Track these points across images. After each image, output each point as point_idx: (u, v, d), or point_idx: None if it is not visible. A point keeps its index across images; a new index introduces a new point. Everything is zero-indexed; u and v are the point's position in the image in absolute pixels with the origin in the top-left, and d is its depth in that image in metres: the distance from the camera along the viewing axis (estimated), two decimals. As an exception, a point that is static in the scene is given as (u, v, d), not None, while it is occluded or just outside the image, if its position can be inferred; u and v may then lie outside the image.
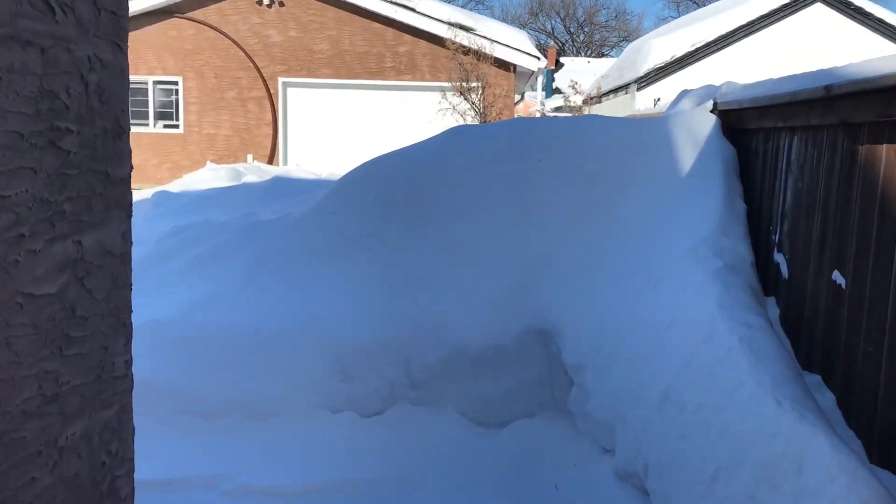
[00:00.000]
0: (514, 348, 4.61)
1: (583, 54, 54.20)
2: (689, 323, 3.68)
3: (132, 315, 1.47)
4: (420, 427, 4.47)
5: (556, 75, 22.53)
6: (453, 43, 13.34)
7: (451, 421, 4.51)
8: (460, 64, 13.17)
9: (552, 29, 59.58)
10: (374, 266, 5.27)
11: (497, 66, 14.36)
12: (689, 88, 6.40)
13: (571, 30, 61.27)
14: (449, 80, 14.17)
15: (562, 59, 29.83)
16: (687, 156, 5.05)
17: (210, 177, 10.45)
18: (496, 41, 14.04)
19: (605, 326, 4.33)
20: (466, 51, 13.79)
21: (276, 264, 5.56)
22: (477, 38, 13.68)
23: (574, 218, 5.01)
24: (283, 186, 9.08)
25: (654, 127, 5.40)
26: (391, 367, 4.63)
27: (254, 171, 11.61)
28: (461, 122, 13.99)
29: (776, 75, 6.48)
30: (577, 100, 14.65)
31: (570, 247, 4.92)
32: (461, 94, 13.08)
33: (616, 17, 70.73)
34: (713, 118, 5.20)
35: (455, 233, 5.21)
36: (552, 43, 54.82)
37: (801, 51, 13.87)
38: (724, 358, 3.25)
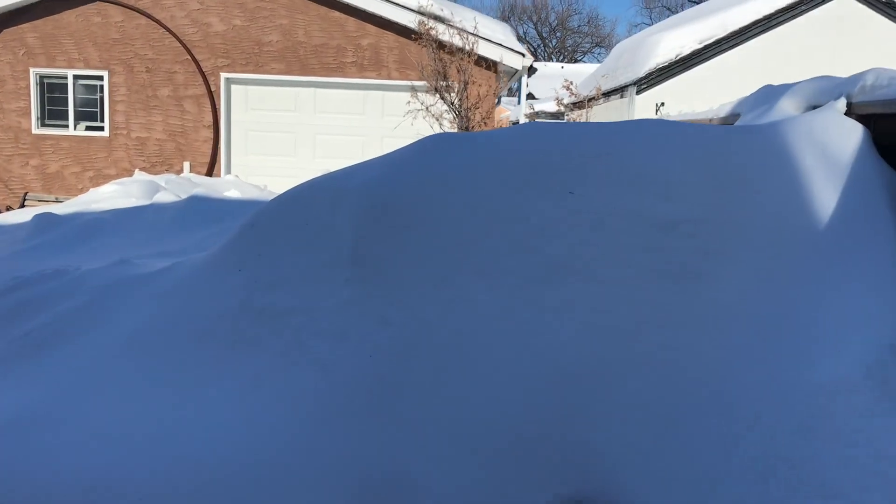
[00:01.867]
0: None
1: (554, 60, 52.47)
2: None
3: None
4: None
5: (528, 80, 20.58)
6: (428, 34, 11.23)
7: None
8: (439, 59, 11.07)
9: (524, 33, 57.88)
10: (299, 368, 3.18)
11: (477, 64, 12.32)
12: (772, 84, 4.40)
13: (544, 34, 59.61)
14: (420, 78, 12.10)
15: (534, 64, 27.89)
16: (821, 188, 3.03)
17: (117, 193, 8.26)
18: (478, 35, 11.98)
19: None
20: (442, 45, 11.72)
21: (144, 357, 3.45)
22: (455, 29, 11.60)
23: (636, 296, 2.96)
24: (201, 209, 6.93)
25: (753, 141, 3.36)
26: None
27: (179, 184, 9.41)
28: (436, 128, 11.90)
29: (799, 76, 4.73)
30: (564, 103, 12.56)
31: (634, 346, 2.86)
32: (437, 91, 10.97)
33: (589, 22, 69.27)
34: (856, 127, 3.18)
35: (433, 314, 3.14)
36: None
37: (824, 49, 12.06)
38: None
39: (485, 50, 12.49)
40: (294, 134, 13.53)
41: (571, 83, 10.80)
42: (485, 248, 3.24)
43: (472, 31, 11.89)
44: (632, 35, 21.66)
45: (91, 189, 9.51)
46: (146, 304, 3.86)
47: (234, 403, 3.18)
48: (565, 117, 12.82)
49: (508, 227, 3.25)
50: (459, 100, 10.74)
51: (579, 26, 60.19)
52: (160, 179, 9.28)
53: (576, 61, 54.33)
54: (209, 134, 13.39)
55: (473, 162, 3.54)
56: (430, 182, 3.49)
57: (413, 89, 12.25)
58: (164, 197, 7.60)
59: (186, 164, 13.42)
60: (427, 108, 11.03)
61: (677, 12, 41.72)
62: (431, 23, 12.07)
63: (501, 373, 2.89)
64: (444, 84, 10.75)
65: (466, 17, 12.63)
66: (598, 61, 49.42)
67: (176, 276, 4.02)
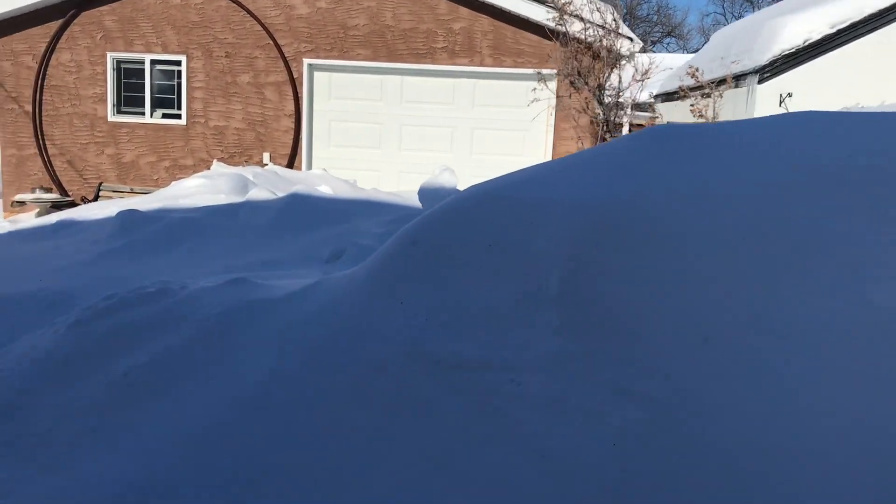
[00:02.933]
0: None
1: (624, 50, 50.71)
2: None
3: None
4: None
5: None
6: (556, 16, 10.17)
7: None
8: (574, 53, 10.01)
9: (593, 22, 56.24)
10: (501, 451, 2.30)
11: (590, 49, 11.27)
12: None
13: (614, 23, 57.93)
14: (532, 66, 11.11)
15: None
16: None
17: (204, 187, 7.50)
18: (616, 28, 10.92)
19: None
20: (559, 34, 10.70)
21: (274, 420, 2.62)
22: (566, 15, 10.57)
23: None
24: (303, 210, 6.10)
25: None
26: None
27: (267, 178, 8.63)
28: (569, 121, 10.91)
29: None
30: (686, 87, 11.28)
31: None
32: (571, 81, 9.93)
33: (658, 10, 67.14)
34: None
35: (698, 385, 2.20)
36: (595, 36, 51.57)
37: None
38: None
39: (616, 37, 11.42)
40: (379, 125, 12.69)
41: (697, 69, 9.69)
42: (768, 293, 2.28)
43: (603, 24, 10.81)
44: (705, 24, 20.18)
45: (173, 182, 8.79)
46: (274, 343, 3.01)
47: (408, 496, 2.29)
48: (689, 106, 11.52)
49: (806, 260, 2.28)
50: (599, 86, 9.63)
51: (648, 15, 58.32)
52: (247, 172, 8.50)
53: (645, 51, 52.57)
54: (290, 123, 12.65)
55: (732, 165, 2.57)
56: (676, 194, 2.54)
57: (541, 77, 11.30)
58: (258, 194, 6.81)
59: (266, 155, 12.70)
60: (560, 97, 10.01)
61: (759, 6, 39.84)
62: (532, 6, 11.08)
63: (836, 483, 1.93)
64: (588, 68, 9.65)
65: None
66: (668, 51, 47.60)
67: (311, 304, 3.15)
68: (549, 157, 12.25)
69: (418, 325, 2.72)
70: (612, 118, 9.43)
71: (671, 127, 2.99)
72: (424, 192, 6.02)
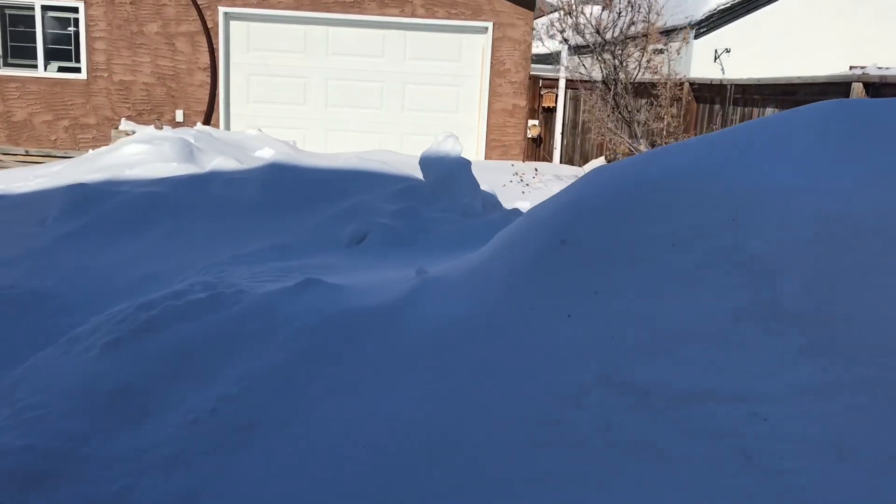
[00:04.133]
0: None
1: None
2: None
3: None
4: None
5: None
6: None
7: None
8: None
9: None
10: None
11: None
12: None
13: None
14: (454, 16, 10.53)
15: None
16: None
17: (150, 154, 6.64)
18: None
19: None
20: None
21: (425, 478, 2.14)
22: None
23: None
24: (292, 184, 5.44)
25: None
26: None
27: (209, 142, 7.81)
28: (505, 76, 10.39)
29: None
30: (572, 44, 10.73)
31: None
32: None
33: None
34: None
35: None
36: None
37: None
38: None
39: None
40: (303, 79, 11.87)
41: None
42: None
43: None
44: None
45: (104, 148, 7.78)
46: (410, 366, 2.50)
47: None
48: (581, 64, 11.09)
49: None
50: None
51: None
52: (187, 136, 7.63)
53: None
54: (205, 78, 11.63)
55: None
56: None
57: (476, 29, 10.72)
58: (223, 164, 6.05)
59: (179, 113, 11.66)
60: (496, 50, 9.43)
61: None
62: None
63: None
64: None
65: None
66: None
67: (435, 316, 2.65)
68: (484, 114, 11.85)
69: (604, 347, 2.28)
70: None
71: (856, 103, 2.65)
72: (427, 162, 5.49)
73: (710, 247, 2.34)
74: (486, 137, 11.92)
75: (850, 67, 8.05)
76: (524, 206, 6.49)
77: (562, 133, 11.88)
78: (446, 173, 5.27)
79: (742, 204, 2.34)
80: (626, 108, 9.01)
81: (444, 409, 2.36)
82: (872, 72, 5.42)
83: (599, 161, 12.03)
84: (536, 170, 10.13)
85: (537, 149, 12.33)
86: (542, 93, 12.04)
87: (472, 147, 12.09)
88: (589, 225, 2.55)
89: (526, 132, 12.01)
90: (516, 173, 10.02)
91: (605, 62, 9.78)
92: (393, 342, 2.63)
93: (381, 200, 5.11)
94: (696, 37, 11.47)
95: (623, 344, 2.27)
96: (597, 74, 10.23)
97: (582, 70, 10.43)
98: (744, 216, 2.32)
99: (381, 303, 2.81)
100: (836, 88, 5.94)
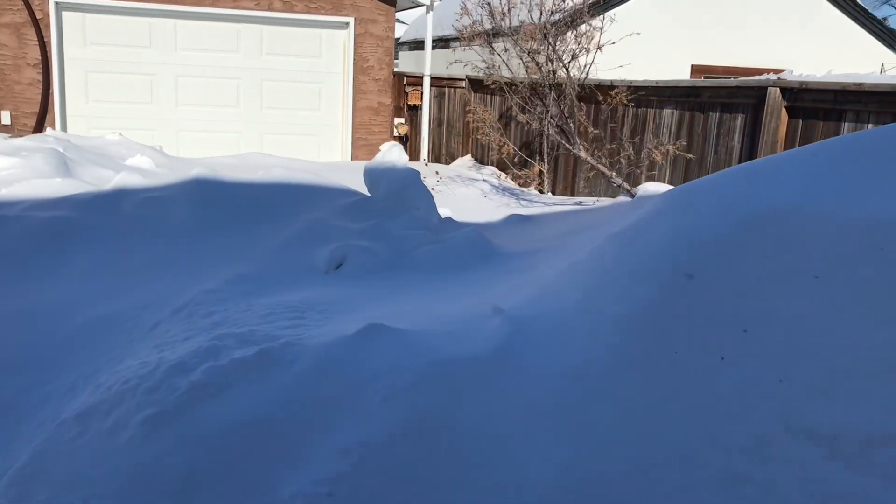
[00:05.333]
0: None
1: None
2: None
3: None
4: None
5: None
6: None
7: None
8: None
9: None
10: None
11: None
12: None
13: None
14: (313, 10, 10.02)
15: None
16: None
17: (22, 169, 5.75)
18: None
19: None
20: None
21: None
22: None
23: None
24: (225, 202, 4.90)
25: None
26: None
27: (79, 150, 6.94)
28: (369, 73, 9.96)
29: None
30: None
31: None
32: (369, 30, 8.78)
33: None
34: None
35: None
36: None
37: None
38: None
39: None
40: (150, 76, 10.91)
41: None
42: None
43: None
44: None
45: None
46: (522, 430, 2.26)
47: None
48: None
49: None
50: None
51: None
52: (52, 144, 6.72)
53: None
54: (36, 75, 10.40)
55: None
56: None
57: (337, 24, 10.21)
58: (127, 179, 5.33)
59: (6, 115, 10.35)
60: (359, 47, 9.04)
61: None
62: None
63: None
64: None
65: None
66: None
67: (542, 366, 2.42)
68: (349, 112, 11.48)
69: (774, 391, 2.17)
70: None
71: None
72: (374, 174, 5.13)
73: (858, 278, 2.29)
74: (352, 136, 11.56)
75: (765, 72, 8.51)
76: (445, 212, 6.28)
77: (429, 131, 11.76)
78: (398, 185, 4.97)
79: (888, 233, 2.31)
80: (564, 113, 8.96)
81: (600, 472, 2.15)
82: (789, 77, 5.72)
83: (467, 158, 12.03)
84: (438, 173, 9.95)
85: (404, 147, 12.11)
86: (407, 90, 11.84)
87: (337, 146, 11.70)
88: (716, 259, 2.43)
89: (392, 130, 11.78)
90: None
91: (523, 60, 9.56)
92: (510, 397, 2.38)
93: (335, 218, 4.73)
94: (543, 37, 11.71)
95: (794, 387, 2.17)
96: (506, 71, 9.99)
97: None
98: (891, 246, 2.29)
99: (478, 351, 2.53)
100: (746, 92, 6.23)
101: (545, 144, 9.45)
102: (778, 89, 5.78)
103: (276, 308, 3.32)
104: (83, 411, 2.62)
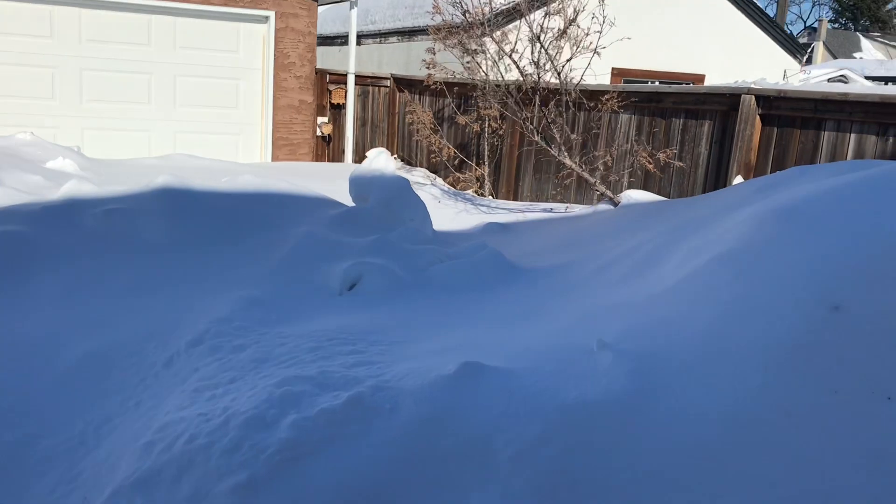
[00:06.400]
0: None
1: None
2: None
3: None
4: None
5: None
6: None
7: None
8: None
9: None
10: None
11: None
12: None
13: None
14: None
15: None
16: None
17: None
18: None
19: None
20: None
21: None
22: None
23: None
24: (201, 214, 4.44)
25: None
26: None
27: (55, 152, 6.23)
28: (290, 70, 9.48)
29: None
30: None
31: None
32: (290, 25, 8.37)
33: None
34: None
35: None
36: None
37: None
38: None
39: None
40: (52, 69, 10.02)
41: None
42: None
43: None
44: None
45: None
46: (691, 487, 2.06)
47: None
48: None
49: None
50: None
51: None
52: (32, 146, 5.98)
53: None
54: (-81, 65, 9.34)
55: None
56: None
57: (256, 18, 9.62)
58: (77, 188, 4.74)
59: None
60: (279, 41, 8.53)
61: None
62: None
63: None
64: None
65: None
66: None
67: (683, 411, 2.21)
68: (269, 111, 10.97)
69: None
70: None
71: None
72: (360, 182, 4.78)
73: None
74: (273, 136, 11.02)
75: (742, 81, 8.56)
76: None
77: (353, 131, 11.36)
78: (388, 195, 4.65)
79: None
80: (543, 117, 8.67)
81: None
82: (764, 85, 5.76)
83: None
84: None
85: (327, 147, 11.68)
86: (330, 88, 11.40)
87: (256, 146, 11.13)
88: (867, 288, 2.29)
89: (316, 130, 11.31)
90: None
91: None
92: (654, 446, 2.16)
93: (329, 231, 4.37)
94: (481, 35, 11.59)
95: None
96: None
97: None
98: None
99: (604, 395, 2.29)
100: (716, 99, 6.26)
101: (484, 147, 9.28)
102: (753, 97, 5.82)
103: (320, 340, 2.98)
104: (142, 478, 2.22)
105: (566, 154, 6.83)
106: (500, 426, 2.21)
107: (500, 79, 8.59)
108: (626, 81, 12.59)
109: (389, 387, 2.40)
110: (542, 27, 7.95)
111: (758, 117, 5.83)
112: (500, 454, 2.14)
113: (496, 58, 8.73)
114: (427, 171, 10.56)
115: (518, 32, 8.40)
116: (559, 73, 7.67)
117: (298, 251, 4.08)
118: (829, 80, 20.03)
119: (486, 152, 9.25)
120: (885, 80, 25.57)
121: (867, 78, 23.54)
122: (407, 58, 14.01)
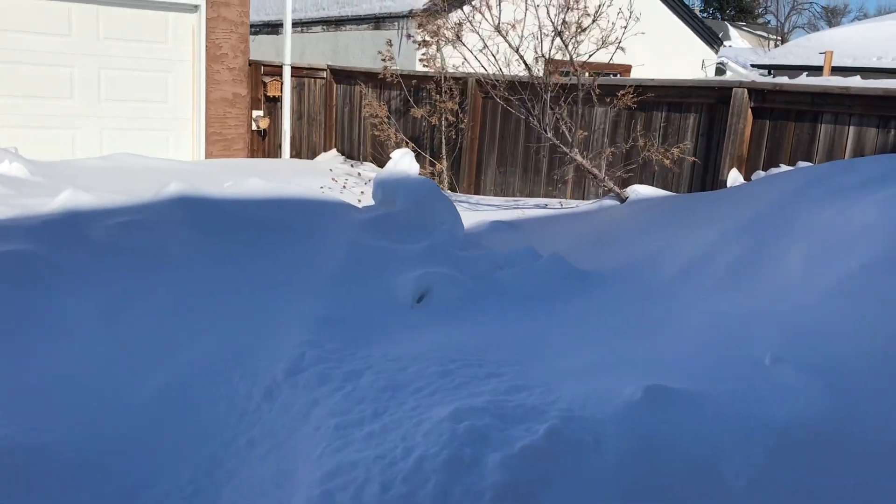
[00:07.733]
0: None
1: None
2: None
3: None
4: None
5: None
6: None
7: None
8: None
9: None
10: None
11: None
12: None
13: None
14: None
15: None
16: None
17: None
18: None
19: None
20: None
21: None
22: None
23: None
24: (229, 225, 4.11)
25: None
26: None
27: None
28: (223, 61, 8.99)
29: None
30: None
31: None
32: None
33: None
34: None
35: None
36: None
37: None
38: None
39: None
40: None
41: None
42: None
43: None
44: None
45: None
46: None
47: None
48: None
49: None
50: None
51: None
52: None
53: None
54: None
55: None
56: None
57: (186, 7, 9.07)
58: (76, 199, 4.25)
59: None
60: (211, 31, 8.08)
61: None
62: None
63: None
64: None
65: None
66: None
67: (883, 432, 2.17)
68: (201, 104, 10.43)
69: None
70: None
71: None
72: (387, 185, 4.52)
73: None
74: (206, 131, 10.47)
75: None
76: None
77: (290, 125, 10.93)
78: (417, 197, 4.44)
79: None
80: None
81: None
82: (758, 79, 5.85)
83: (332, 154, 11.36)
84: (360, 174, 9.22)
85: (263, 142, 11.20)
86: (264, 80, 10.91)
87: (188, 142, 10.56)
88: None
89: (251, 124, 10.83)
90: (334, 178, 8.87)
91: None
92: (869, 466, 2.10)
93: (368, 237, 4.13)
94: (419, 26, 11.38)
95: None
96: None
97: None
98: None
99: (812, 414, 2.21)
100: (703, 92, 6.32)
101: (443, 141, 9.11)
102: (745, 90, 5.91)
103: (443, 363, 2.78)
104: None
105: (577, 150, 6.71)
106: (719, 454, 2.10)
107: (500, 72, 8.26)
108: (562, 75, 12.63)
109: (578, 417, 2.25)
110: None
111: (750, 110, 5.94)
112: (734, 483, 2.03)
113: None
114: (374, 166, 10.29)
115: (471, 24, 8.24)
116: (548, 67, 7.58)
117: (349, 261, 3.83)
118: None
119: (444, 146, 9.08)
120: (768, 68, 26.39)
121: (753, 66, 24.42)
122: (334, 47, 13.62)
